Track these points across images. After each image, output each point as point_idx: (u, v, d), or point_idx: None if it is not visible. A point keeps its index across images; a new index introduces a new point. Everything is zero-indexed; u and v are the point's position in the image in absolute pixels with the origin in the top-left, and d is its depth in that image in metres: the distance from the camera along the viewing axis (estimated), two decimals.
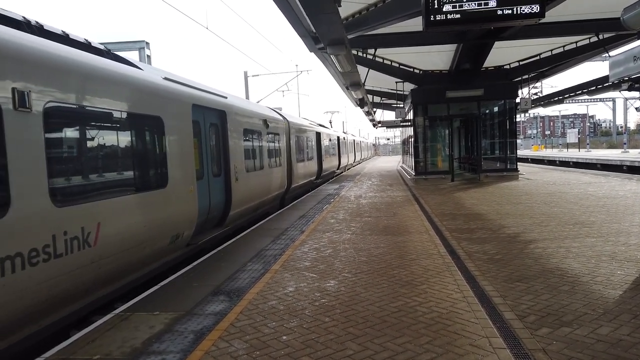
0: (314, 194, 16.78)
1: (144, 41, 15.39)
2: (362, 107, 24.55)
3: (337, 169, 29.87)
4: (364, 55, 16.13)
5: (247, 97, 25.86)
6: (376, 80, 20.85)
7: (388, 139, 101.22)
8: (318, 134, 22.26)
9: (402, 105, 24.71)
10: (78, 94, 5.11)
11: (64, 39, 5.59)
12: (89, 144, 5.38)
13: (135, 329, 4.45)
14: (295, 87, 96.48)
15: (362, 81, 16.41)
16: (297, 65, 36.64)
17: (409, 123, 21.51)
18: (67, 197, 4.90)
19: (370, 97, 25.53)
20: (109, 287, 5.77)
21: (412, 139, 20.92)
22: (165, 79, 7.33)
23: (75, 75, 5.08)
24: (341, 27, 8.94)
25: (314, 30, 9.82)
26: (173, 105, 7.28)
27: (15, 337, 4.33)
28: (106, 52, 6.26)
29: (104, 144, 5.69)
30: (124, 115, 5.98)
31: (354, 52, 14.57)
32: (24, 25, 5.05)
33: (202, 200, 8.26)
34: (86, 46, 5.90)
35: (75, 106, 5.07)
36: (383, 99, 27.97)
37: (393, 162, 46.74)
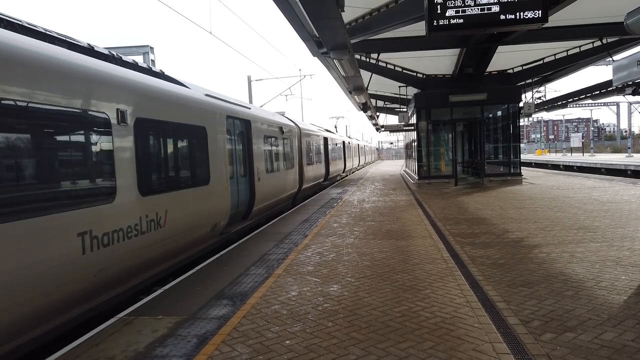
0: (317, 198, 16.78)
1: (148, 46, 15.48)
2: (365, 111, 24.57)
3: (343, 172, 31.14)
4: (367, 59, 16.17)
5: (251, 101, 25.94)
6: (379, 84, 20.88)
7: (391, 143, 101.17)
8: (325, 139, 23.57)
9: (405, 110, 24.73)
10: (153, 111, 6.61)
11: (134, 66, 7.04)
12: (161, 149, 6.97)
13: (139, 333, 4.46)
14: (298, 92, 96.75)
15: (366, 85, 16.45)
16: (300, 70, 36.77)
17: (412, 127, 21.50)
18: (148, 190, 6.34)
19: (373, 101, 25.57)
20: (166, 263, 7.15)
21: (416, 143, 20.92)
22: (206, 95, 8.85)
23: (152, 97, 6.65)
24: (344, 32, 8.97)
25: (317, 35, 9.86)
26: (213, 117, 8.77)
27: (114, 292, 5.85)
28: (161, 74, 7.78)
29: (171, 148, 7.28)
30: (183, 126, 7.53)
31: (357, 56, 14.61)
32: (111, 57, 6.45)
33: (233, 196, 9.69)
34: (150, 71, 7.47)
35: (151, 120, 6.55)
36: (386, 103, 28.00)
37: (396, 167, 46.71)
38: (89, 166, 5.30)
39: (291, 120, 16.96)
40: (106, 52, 6.46)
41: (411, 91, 20.57)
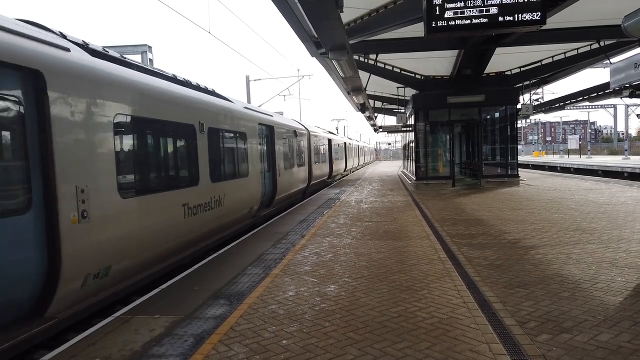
0: (315, 198, 16.79)
1: (146, 45, 15.43)
2: (363, 112, 24.58)
3: (344, 171, 34.01)
4: (366, 60, 16.18)
5: (249, 101, 25.96)
6: (377, 85, 20.89)
7: (389, 144, 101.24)
8: (329, 141, 26.11)
9: (403, 111, 24.76)
10: (216, 122, 9.20)
11: (202, 89, 9.32)
12: (220, 148, 9.39)
13: (136, 332, 4.45)
14: (296, 92, 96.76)
15: (364, 86, 16.45)
16: (298, 70, 36.75)
17: (410, 128, 21.52)
18: (215, 178, 8.87)
19: (371, 102, 25.56)
20: (221, 234, 9.72)
21: (413, 144, 20.94)
22: (245, 107, 11.59)
23: (215, 112, 9.23)
24: (343, 32, 8.97)
25: (316, 36, 9.86)
26: (250, 124, 11.42)
27: (191, 251, 8.21)
28: (215, 93, 10.08)
29: (226, 148, 9.81)
30: (232, 132, 10.25)
31: (356, 57, 14.61)
32: (187, 83, 8.73)
33: (262, 187, 12.23)
34: (211, 92, 9.83)
35: (216, 128, 9.20)
36: (384, 104, 27.99)
37: (394, 167, 46.75)
38: (187, 160, 8.01)
39: (302, 125, 19.49)
40: (183, 79, 8.74)
41: (409, 92, 20.58)
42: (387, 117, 35.15)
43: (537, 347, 3.79)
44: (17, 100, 4.45)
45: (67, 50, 5.23)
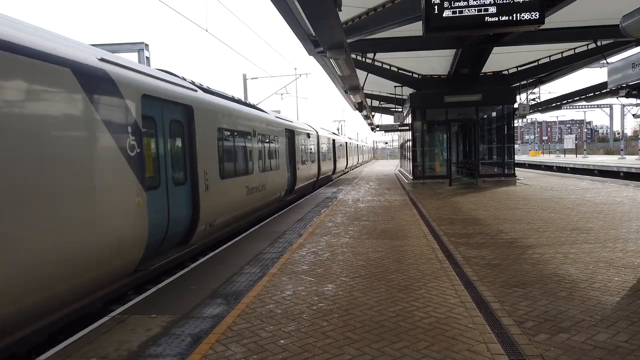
0: (312, 197, 16.77)
1: (143, 43, 15.36)
2: (360, 111, 24.59)
3: (345, 168, 37.78)
4: (363, 59, 16.17)
5: (246, 99, 25.92)
6: (375, 84, 20.88)
7: (386, 143, 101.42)
8: (333, 141, 29.54)
9: (400, 110, 24.75)
10: (261, 129, 12.51)
11: (253, 106, 13.24)
12: (263, 147, 12.66)
13: (132, 331, 4.43)
14: (293, 90, 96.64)
15: (361, 85, 16.44)
16: (295, 69, 36.69)
17: (407, 127, 21.53)
18: (260, 170, 12.08)
19: (369, 101, 25.56)
20: (260, 212, 12.71)
21: (410, 143, 20.95)
22: (276, 116, 15.35)
23: (260, 121, 12.61)
24: (341, 31, 8.96)
25: (314, 34, 9.85)
26: (279, 129, 14.90)
27: (245, 221, 11.32)
28: (255, 107, 13.51)
29: (267, 148, 13.21)
30: (270, 136, 13.60)
31: (353, 56, 14.59)
32: (250, 105, 13.05)
33: (287, 178, 15.73)
34: (254, 106, 13.35)
35: (261, 133, 12.36)
36: (382, 103, 28.00)
37: (391, 166, 46.79)
38: (248, 157, 11.34)
39: (313, 128, 23.03)
40: (241, 100, 12.64)
41: (406, 91, 20.58)
42: (384, 116, 35.21)
43: (535, 347, 3.79)
44: (182, 122, 7.89)
45: (196, 90, 8.67)
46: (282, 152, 15.09)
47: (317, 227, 10.00)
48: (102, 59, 5.63)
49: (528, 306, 4.73)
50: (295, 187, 16.98)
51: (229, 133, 10.08)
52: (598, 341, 3.86)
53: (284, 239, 8.82)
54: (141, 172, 6.14)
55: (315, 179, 21.74)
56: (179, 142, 7.78)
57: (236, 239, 9.14)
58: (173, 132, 7.57)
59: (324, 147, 25.04)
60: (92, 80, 5.26)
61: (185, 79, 8.81)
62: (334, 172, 28.94)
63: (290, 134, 16.74)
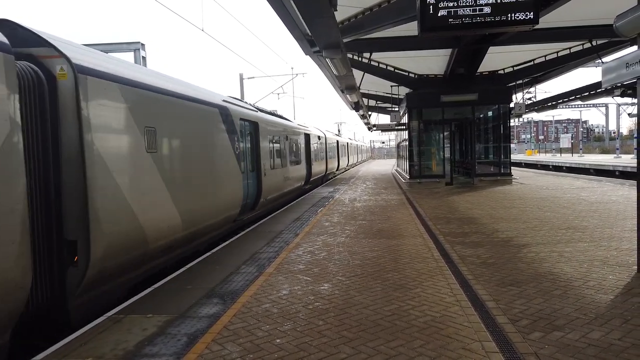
0: (309, 197, 16.79)
1: (139, 42, 15.32)
2: (357, 110, 24.61)
3: (347, 165, 42.47)
4: (360, 59, 16.18)
5: (242, 99, 25.97)
6: (371, 83, 20.90)
7: (383, 143, 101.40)
8: (337, 142, 33.95)
9: (397, 109, 24.78)
10: (289, 134, 16.54)
11: (279, 115, 17.04)
12: (291, 148, 16.69)
13: (128, 331, 4.43)
14: (290, 90, 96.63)
15: (358, 85, 16.47)
16: (292, 68, 36.75)
17: (404, 127, 21.57)
18: (289, 164, 16.12)
19: (365, 100, 25.58)
20: (288, 197, 16.30)
21: (407, 143, 20.99)
22: (298, 124, 19.51)
23: (289, 128, 16.85)
24: (337, 31, 8.97)
25: (310, 34, 9.85)
26: (300, 133, 18.76)
27: (280, 201, 15.28)
28: (283, 117, 17.52)
29: (293, 149, 17.04)
30: (294, 139, 17.31)
31: (350, 55, 14.60)
32: (281, 116, 17.56)
33: (305, 172, 19.65)
34: (282, 117, 17.38)
35: (289, 137, 16.37)
36: (378, 102, 28.03)
37: (388, 166, 46.85)
38: (284, 154, 15.19)
39: (321, 131, 27.44)
40: (276, 112, 17.28)
41: (403, 91, 20.61)
42: (381, 115, 35.29)
43: (530, 345, 3.82)
44: (252, 133, 11.86)
45: (257, 111, 12.85)
46: (302, 152, 19.21)
47: (313, 227, 10.02)
48: (224, 100, 10.19)
49: (523, 304, 4.76)
50: (311, 179, 21.14)
51: (273, 138, 14.15)
52: (592, 339, 3.89)
53: (280, 239, 8.83)
54: (240, 163, 10.48)
55: (323, 173, 26.07)
56: (251, 145, 11.90)
57: (233, 238, 9.14)
58: (249, 139, 11.76)
59: (331, 147, 29.46)
60: (223, 113, 9.66)
61: (249, 104, 14.13)
62: (337, 168, 33.50)
63: (307, 137, 20.71)
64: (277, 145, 14.48)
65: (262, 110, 13.98)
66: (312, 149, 21.39)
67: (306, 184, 20.07)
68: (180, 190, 7.29)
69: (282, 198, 15.50)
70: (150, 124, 6.54)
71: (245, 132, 11.32)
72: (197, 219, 7.99)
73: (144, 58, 15.43)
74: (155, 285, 5.97)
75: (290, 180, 16.13)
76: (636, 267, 5.88)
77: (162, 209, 6.78)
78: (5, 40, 4.14)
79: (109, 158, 5.59)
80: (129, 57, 14.44)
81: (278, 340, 4.07)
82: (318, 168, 23.52)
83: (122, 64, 6.50)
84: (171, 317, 4.77)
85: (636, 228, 5.91)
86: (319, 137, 24.20)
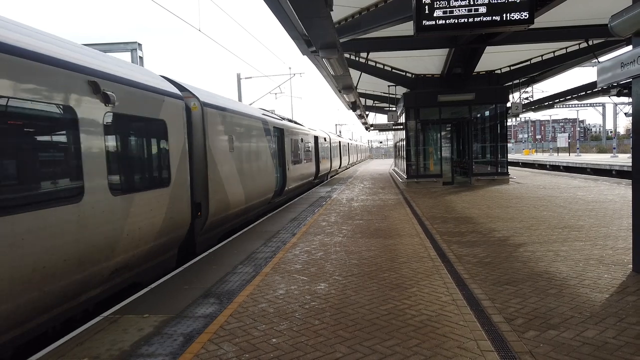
0: (306, 197, 16.79)
1: (136, 42, 15.30)
2: (354, 110, 24.60)
3: (348, 164, 46.18)
4: (357, 58, 16.18)
5: (240, 99, 25.93)
6: (369, 83, 20.92)
7: (380, 142, 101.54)
8: (340, 142, 38.23)
9: (394, 109, 24.80)
10: (304, 137, 20.14)
11: (290, 120, 19.55)
12: (305, 148, 20.35)
13: (124, 331, 4.43)
14: (288, 90, 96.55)
15: (355, 84, 16.45)
16: (290, 68, 36.69)
17: (401, 126, 21.58)
18: (303, 162, 19.81)
19: (362, 100, 25.60)
20: (301, 189, 19.86)
21: (404, 143, 21.01)
22: (309, 128, 22.98)
23: (303, 132, 20.26)
24: (333, 31, 8.97)
25: (307, 34, 9.85)
26: (311, 136, 22.17)
27: (298, 190, 19.32)
28: (294, 121, 20.58)
29: (306, 149, 20.55)
30: (308, 141, 21.05)
31: (347, 55, 14.61)
32: (294, 121, 20.64)
33: (314, 168, 22.50)
34: (297, 122, 20.90)
35: (303, 140, 19.94)
36: (376, 102, 28.05)
37: (385, 165, 46.89)
38: (300, 153, 18.92)
39: (327, 133, 30.68)
40: (297, 121, 21.47)
41: (400, 90, 20.64)
42: (378, 115, 35.29)
43: (525, 344, 3.83)
44: (280, 137, 15.34)
45: (282, 119, 16.59)
46: (312, 151, 22.46)
47: (310, 226, 10.02)
48: (263, 114, 13.62)
49: (518, 303, 4.78)
50: (319, 175, 24.47)
51: (293, 141, 17.46)
52: (587, 337, 3.91)
53: (277, 238, 8.83)
54: (273, 160, 13.73)
55: (328, 170, 29.46)
56: (279, 147, 15.14)
57: (230, 238, 9.14)
58: (278, 142, 14.95)
59: (334, 147, 33.51)
60: (263, 122, 12.83)
61: (275, 114, 17.16)
62: (339, 166, 37.49)
63: (316, 139, 24.01)
64: (296, 146, 18.03)
65: (284, 119, 17.53)
66: (320, 149, 25.26)
67: (315, 178, 23.71)
68: (244, 176, 10.81)
69: (299, 189, 19.12)
70: (230, 133, 10.09)
71: (276, 136, 14.84)
72: (252, 197, 11.53)
73: (140, 58, 15.41)
74: (152, 285, 5.97)
75: (304, 174, 19.81)
76: (631, 265, 5.90)
77: (236, 188, 10.25)
78: (178, 92, 7.75)
79: (216, 154, 9.16)
80: (126, 56, 14.42)
81: (274, 340, 4.08)
82: (324, 166, 27.38)
83: (219, 98, 10.20)
84: (167, 317, 4.77)
85: (631, 227, 5.94)
86: (325, 139, 27.88)
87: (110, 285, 5.76)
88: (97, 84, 5.30)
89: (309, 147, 21.29)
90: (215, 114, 9.17)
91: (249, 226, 10.61)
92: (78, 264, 4.87)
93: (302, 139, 19.34)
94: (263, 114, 13.52)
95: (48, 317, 4.67)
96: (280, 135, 15.34)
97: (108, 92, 5.46)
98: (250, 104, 23.85)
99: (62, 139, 4.95)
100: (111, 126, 5.62)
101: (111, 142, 5.64)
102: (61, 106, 4.78)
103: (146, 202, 6.35)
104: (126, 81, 6.04)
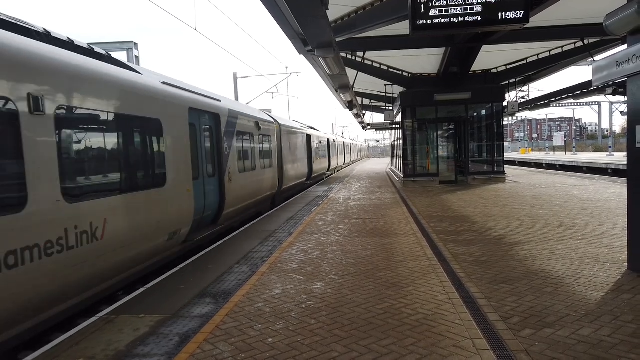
0: (303, 196, 16.79)
1: (132, 42, 15.27)
2: (351, 109, 24.61)
3: (350, 161, 51.63)
4: (353, 58, 16.19)
5: (237, 99, 25.91)
6: (365, 82, 20.92)
7: (377, 142, 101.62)
8: (342, 142, 42.14)
9: (391, 108, 24.81)
10: (316, 139, 25.82)
11: (305, 125, 25.62)
12: (317, 149, 25.85)
13: (120, 331, 4.42)
14: (284, 89, 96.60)
15: (351, 84, 16.46)
16: (287, 67, 36.65)
17: (398, 125, 21.61)
18: (310, 160, 23.32)
19: (359, 99, 25.61)
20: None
21: (401, 142, 21.02)
22: (309, 126, 26.14)
23: (317, 135, 26.56)
24: (329, 30, 8.97)
25: (303, 33, 9.84)
26: (323, 139, 28.41)
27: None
28: (311, 127, 26.88)
29: (316, 149, 25.07)
30: (320, 142, 27.26)
31: (343, 54, 14.61)
32: (298, 122, 24.82)
33: (313, 167, 24.17)
34: (309, 126, 26.48)
35: (316, 141, 25.80)
36: (372, 101, 28.07)
37: (382, 165, 46.91)
38: (304, 152, 21.56)
39: (327, 134, 32.48)
40: (299, 121, 24.77)
41: (397, 90, 20.65)
42: (375, 114, 35.30)
43: (520, 342, 3.84)
44: (275, 133, 15.69)
45: (308, 127, 24.42)
46: (326, 151, 27.14)
47: (307, 226, 10.02)
48: (308, 127, 24.00)
49: (514, 302, 4.79)
50: (312, 175, 25.80)
51: (316, 143, 22.85)
52: (582, 336, 3.92)
53: (274, 238, 8.82)
54: (306, 154, 21.19)
55: (335, 166, 33.96)
56: (308, 146, 20.84)
57: (226, 238, 9.13)
58: (307, 143, 20.38)
59: (338, 147, 37.49)
60: (307, 135, 21.53)
61: (297, 122, 21.80)
62: (344, 163, 41.94)
63: (309, 139, 25.42)
64: (317, 148, 23.76)
65: (305, 125, 23.03)
66: (330, 148, 30.35)
67: (327, 171, 28.69)
68: (291, 165, 15.84)
69: (307, 186, 23.13)
70: (288, 140, 16.48)
71: (306, 138, 21.28)
72: (298, 177, 17.63)
73: (137, 57, 15.37)
74: (148, 285, 5.96)
75: (320, 168, 24.91)
76: (627, 264, 5.93)
77: (290, 172, 17.35)
78: (274, 120, 15.86)
79: (284, 152, 16.53)
80: (122, 55, 14.37)
81: (270, 340, 4.07)
82: (333, 162, 33.32)
83: (286, 120, 17.98)
84: (163, 317, 4.76)
85: (627, 225, 5.96)
86: (328, 140, 31.91)
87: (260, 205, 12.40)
88: (259, 124, 12.72)
89: (323, 148, 27.20)
90: (285, 130, 16.96)
91: (245, 225, 10.60)
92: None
93: (320, 141, 24.74)
94: (308, 127, 23.47)
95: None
96: (306, 140, 21.84)
97: (260, 126, 12.78)
98: (248, 103, 24.27)
99: (267, 146, 13.47)
100: (262, 139, 12.96)
101: (279, 146, 15.11)
102: (256, 135, 11.80)
103: (272, 175, 14.09)
104: (264, 120, 13.50)
